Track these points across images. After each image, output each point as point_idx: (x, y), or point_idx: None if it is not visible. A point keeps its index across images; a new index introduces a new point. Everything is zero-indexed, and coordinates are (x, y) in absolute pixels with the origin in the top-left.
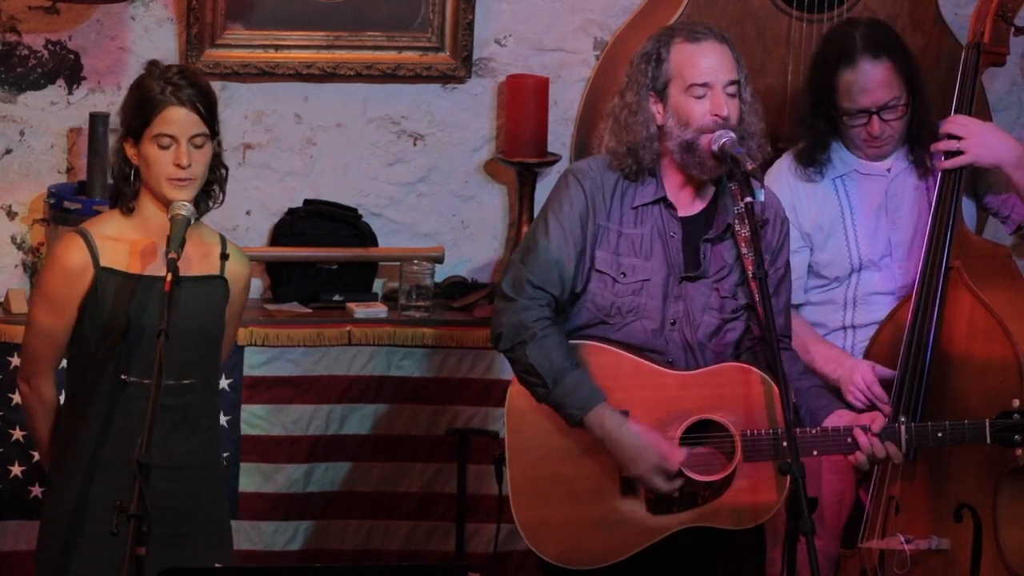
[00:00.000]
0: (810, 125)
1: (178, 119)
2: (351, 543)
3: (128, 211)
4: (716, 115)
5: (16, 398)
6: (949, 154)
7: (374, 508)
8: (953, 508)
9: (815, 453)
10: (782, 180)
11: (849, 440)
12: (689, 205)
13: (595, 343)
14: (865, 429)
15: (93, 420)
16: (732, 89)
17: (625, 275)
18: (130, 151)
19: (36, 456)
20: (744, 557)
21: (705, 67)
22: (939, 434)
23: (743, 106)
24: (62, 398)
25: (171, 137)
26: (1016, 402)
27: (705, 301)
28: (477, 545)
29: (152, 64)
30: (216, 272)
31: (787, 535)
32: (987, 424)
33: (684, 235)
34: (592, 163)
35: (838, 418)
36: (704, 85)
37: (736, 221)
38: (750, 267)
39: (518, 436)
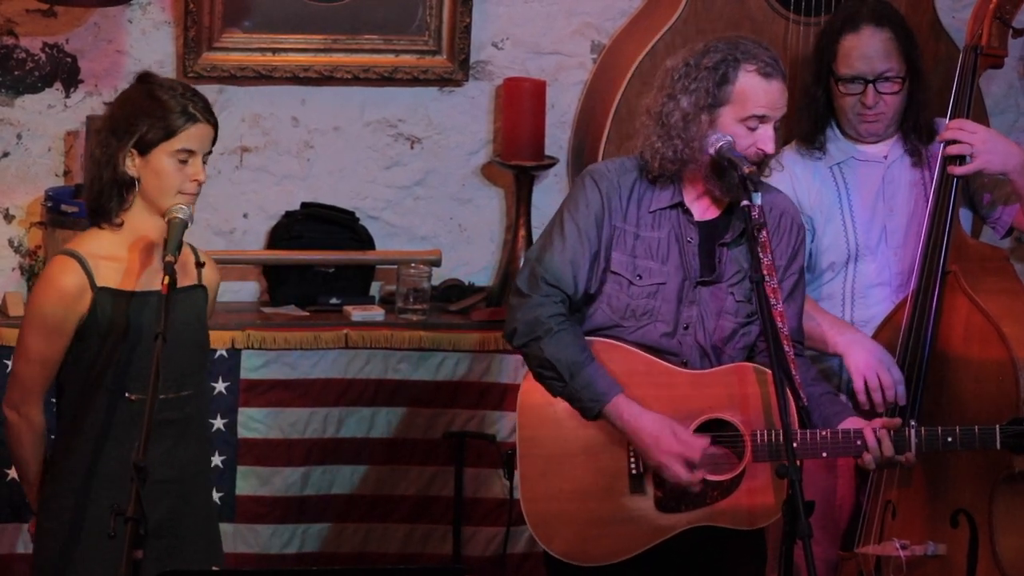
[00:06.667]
0: (812, 96)
1: (202, 135)
2: (348, 546)
3: (115, 227)
4: (761, 149)
5: None
6: (954, 159)
7: (371, 511)
8: (950, 513)
9: (824, 455)
10: (783, 167)
11: (859, 442)
12: (705, 211)
13: (607, 340)
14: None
15: (95, 438)
16: (779, 124)
17: (641, 277)
18: (130, 162)
19: None
20: (747, 560)
21: (768, 103)
22: (949, 439)
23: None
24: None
25: (191, 152)
26: None
27: (720, 306)
28: (474, 548)
29: (148, 76)
30: (196, 281)
31: (784, 539)
32: (998, 430)
33: (700, 240)
34: (610, 165)
35: (851, 424)
36: (763, 119)
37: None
38: (765, 271)
39: (529, 433)
